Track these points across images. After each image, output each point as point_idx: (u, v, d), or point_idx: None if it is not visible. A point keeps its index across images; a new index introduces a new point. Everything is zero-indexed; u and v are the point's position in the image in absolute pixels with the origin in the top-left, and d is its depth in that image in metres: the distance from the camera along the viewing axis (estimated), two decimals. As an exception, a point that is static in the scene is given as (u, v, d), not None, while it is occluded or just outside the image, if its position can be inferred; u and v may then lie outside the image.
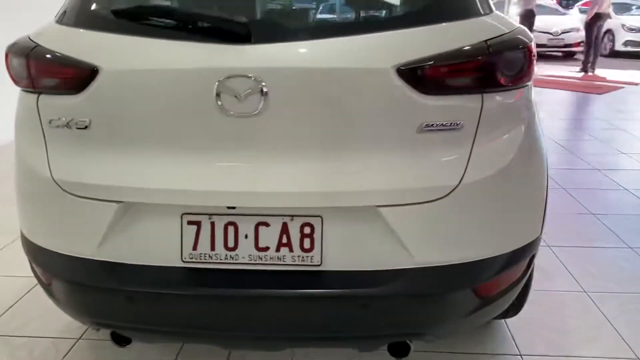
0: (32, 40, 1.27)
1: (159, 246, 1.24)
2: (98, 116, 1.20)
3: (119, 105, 1.19)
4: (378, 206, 1.16)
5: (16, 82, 1.29)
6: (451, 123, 1.15)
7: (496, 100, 1.20)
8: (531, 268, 1.45)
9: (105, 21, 1.25)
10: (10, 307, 2.00)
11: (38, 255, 1.36)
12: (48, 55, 1.22)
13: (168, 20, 1.18)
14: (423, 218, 1.18)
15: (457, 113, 1.16)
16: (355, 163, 1.16)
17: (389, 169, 1.16)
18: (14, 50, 1.28)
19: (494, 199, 1.23)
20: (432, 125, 1.14)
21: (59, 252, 1.30)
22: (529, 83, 1.29)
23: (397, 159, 1.16)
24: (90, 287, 1.25)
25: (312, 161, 1.16)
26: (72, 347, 1.76)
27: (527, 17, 9.10)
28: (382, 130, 1.15)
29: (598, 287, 2.13)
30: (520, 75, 1.21)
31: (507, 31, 1.22)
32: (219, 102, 1.11)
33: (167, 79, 1.16)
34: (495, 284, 1.30)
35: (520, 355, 1.73)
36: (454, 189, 1.16)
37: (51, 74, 1.24)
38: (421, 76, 1.13)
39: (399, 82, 1.11)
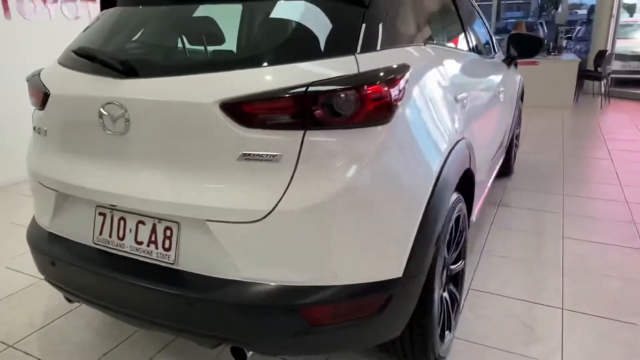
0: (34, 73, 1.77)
1: (82, 228, 1.61)
2: (48, 126, 1.64)
3: (54, 119, 1.60)
4: (207, 220, 1.33)
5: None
6: (269, 155, 1.26)
7: (320, 138, 1.25)
8: (397, 312, 1.42)
9: (67, 59, 1.68)
10: None
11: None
12: (34, 82, 1.70)
13: (80, 58, 1.54)
14: (242, 237, 1.29)
15: (276, 146, 1.25)
16: (189, 181, 1.33)
17: (213, 189, 1.31)
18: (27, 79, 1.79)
19: (317, 229, 1.27)
20: (250, 155, 1.27)
21: (36, 222, 1.79)
22: (377, 124, 1.29)
23: (220, 181, 1.31)
24: (39, 250, 1.71)
25: (161, 175, 1.38)
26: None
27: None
28: (209, 155, 1.31)
29: None
30: (348, 117, 1.24)
31: (339, 75, 1.25)
32: (101, 122, 1.43)
33: (73, 101, 1.52)
34: (324, 312, 1.34)
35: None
36: (268, 214, 1.26)
37: (32, 95, 1.72)
38: (241, 111, 1.26)
39: (221, 115, 1.27)
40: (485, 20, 3.12)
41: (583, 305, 2.21)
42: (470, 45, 2.41)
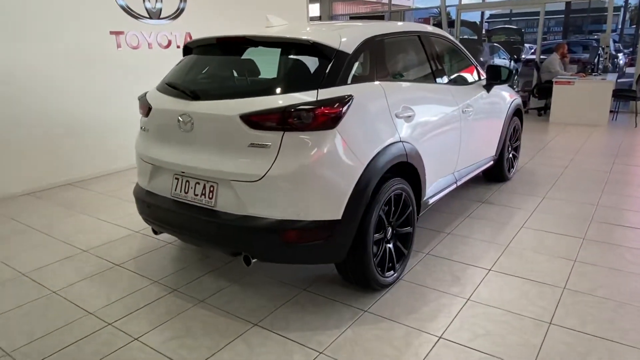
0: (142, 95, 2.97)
1: (165, 186, 2.74)
2: (149, 126, 2.80)
3: (153, 122, 2.78)
4: (231, 180, 2.40)
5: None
6: (264, 144, 2.30)
7: (292, 136, 2.26)
8: (338, 239, 2.39)
9: (161, 86, 2.85)
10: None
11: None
12: (143, 100, 2.89)
13: (168, 87, 2.72)
14: (249, 190, 2.34)
15: (267, 140, 2.29)
16: (223, 158, 2.41)
17: (234, 163, 2.36)
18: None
19: (289, 187, 2.28)
20: (254, 144, 2.32)
21: (139, 184, 2.97)
22: (326, 129, 2.28)
23: (238, 158, 2.36)
24: (141, 200, 2.88)
25: (209, 155, 2.47)
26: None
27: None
28: (233, 144, 2.37)
29: None
30: (308, 125, 2.24)
31: (304, 101, 2.26)
32: (178, 125, 2.56)
33: (164, 113, 2.67)
34: (295, 236, 2.33)
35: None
36: (262, 177, 2.30)
37: (141, 108, 2.92)
38: (250, 120, 2.31)
39: (240, 122, 2.33)
40: (467, 55, 3.98)
41: (507, 269, 3.01)
42: (436, 78, 3.33)
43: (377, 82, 2.67)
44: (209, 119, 2.45)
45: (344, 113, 2.34)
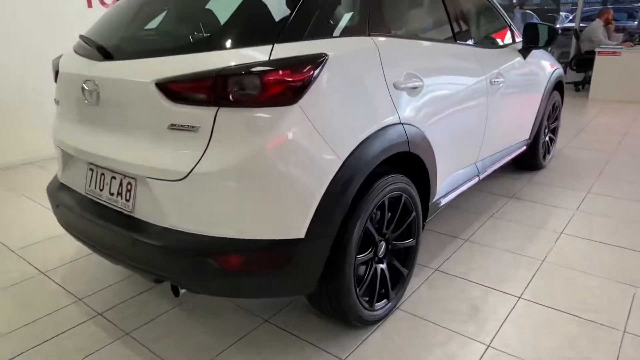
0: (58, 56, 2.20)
1: (80, 180, 2.02)
2: (60, 97, 2.06)
3: (61, 91, 2.02)
4: (147, 177, 1.65)
5: None
6: (189, 126, 1.53)
7: (231, 114, 1.50)
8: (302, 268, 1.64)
9: (77, 45, 2.07)
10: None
11: None
12: (54, 62, 2.14)
13: (81, 43, 1.95)
14: (170, 193, 1.59)
15: (195, 119, 1.52)
16: (136, 144, 1.65)
17: (150, 152, 1.61)
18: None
19: (224, 191, 1.52)
20: (176, 125, 1.55)
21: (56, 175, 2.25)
22: (282, 105, 1.50)
23: (156, 146, 1.60)
24: (50, 195, 2.16)
25: (119, 139, 1.73)
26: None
27: None
28: (148, 124, 1.62)
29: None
30: (254, 98, 1.47)
31: (247, 62, 1.48)
32: (84, 95, 1.81)
33: (67, 78, 1.94)
34: (238, 262, 1.60)
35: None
36: (187, 175, 1.54)
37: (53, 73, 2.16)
38: (170, 89, 1.55)
39: (156, 91, 1.57)
40: (499, 10, 3.09)
41: (543, 297, 2.23)
42: (456, 37, 2.47)
43: (368, 38, 1.86)
44: (116, 87, 1.70)
45: (312, 81, 1.55)
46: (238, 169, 1.51)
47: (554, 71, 3.70)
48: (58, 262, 2.66)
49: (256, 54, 1.52)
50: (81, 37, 1.95)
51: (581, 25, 8.64)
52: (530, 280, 2.37)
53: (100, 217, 1.83)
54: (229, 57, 1.52)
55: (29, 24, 4.39)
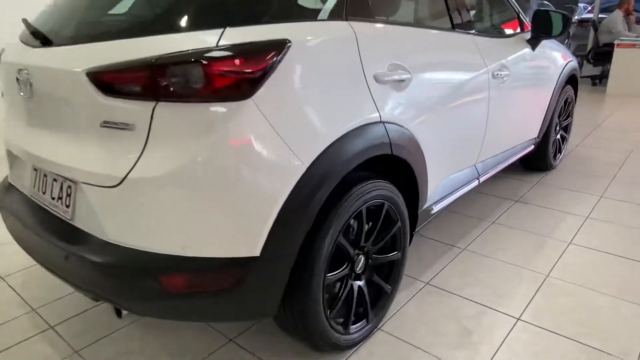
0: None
1: (25, 180, 1.81)
2: (4, 89, 1.85)
3: (2, 82, 1.80)
4: (81, 182, 1.43)
5: None
6: (123, 123, 1.31)
7: (171, 110, 1.26)
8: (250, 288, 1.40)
9: (22, 32, 1.84)
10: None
11: None
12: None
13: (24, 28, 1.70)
14: (106, 200, 1.37)
15: (130, 116, 1.30)
16: (70, 144, 1.43)
17: (83, 153, 1.38)
18: None
19: (163, 200, 1.30)
20: (109, 122, 1.32)
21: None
22: (233, 100, 1.26)
23: (89, 146, 1.37)
24: None
25: (54, 137, 1.50)
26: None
27: None
28: (81, 121, 1.39)
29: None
30: (197, 91, 1.24)
31: (191, 49, 1.24)
32: (19, 85, 1.59)
33: (4, 68, 1.73)
34: (182, 282, 1.37)
35: None
36: (122, 181, 1.31)
37: None
38: (102, 80, 1.32)
39: (87, 83, 1.34)
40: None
41: (547, 320, 1.97)
42: (454, 23, 2.20)
43: (345, 22, 1.61)
44: (48, 78, 1.48)
45: (270, 72, 1.31)
46: (178, 175, 1.28)
47: (566, 64, 3.40)
48: (21, 265, 2.47)
49: (203, 39, 1.28)
50: (23, 20, 1.73)
51: (600, 16, 8.23)
52: (532, 298, 2.12)
53: (39, 224, 1.62)
54: (169, 42, 1.28)
55: None
